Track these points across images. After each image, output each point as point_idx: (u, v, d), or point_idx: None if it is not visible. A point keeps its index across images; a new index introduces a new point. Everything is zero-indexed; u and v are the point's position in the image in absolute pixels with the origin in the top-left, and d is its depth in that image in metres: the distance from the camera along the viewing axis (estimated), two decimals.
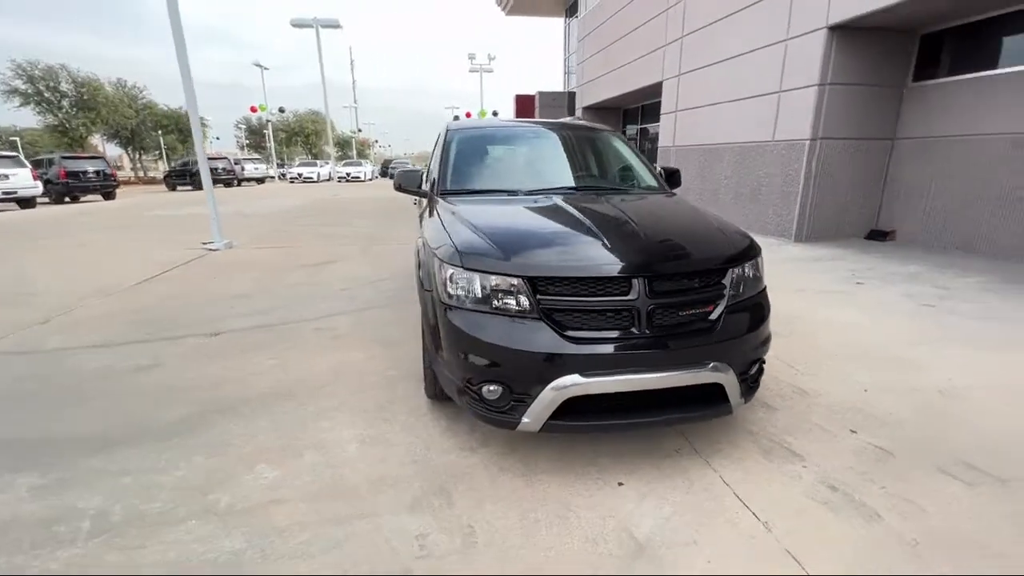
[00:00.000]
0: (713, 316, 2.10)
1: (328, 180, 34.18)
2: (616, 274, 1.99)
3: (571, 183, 3.27)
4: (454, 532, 1.81)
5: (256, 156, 34.95)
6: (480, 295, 2.05)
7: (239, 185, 28.48)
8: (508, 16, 26.67)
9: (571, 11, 23.18)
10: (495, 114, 40.52)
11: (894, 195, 7.80)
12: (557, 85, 26.61)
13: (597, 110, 17.68)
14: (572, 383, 1.91)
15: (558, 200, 2.79)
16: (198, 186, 16.77)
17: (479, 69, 35.52)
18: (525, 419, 1.99)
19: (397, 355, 3.41)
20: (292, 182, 32.71)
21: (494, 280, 2.03)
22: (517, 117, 26.04)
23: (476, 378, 2.04)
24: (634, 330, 1.99)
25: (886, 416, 2.58)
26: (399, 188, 3.39)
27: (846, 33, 7.05)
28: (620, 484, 2.08)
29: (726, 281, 2.16)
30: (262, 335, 3.83)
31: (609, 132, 3.83)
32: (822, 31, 7.08)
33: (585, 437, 2.38)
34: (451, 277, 2.12)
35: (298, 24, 19.43)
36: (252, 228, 9.93)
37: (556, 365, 1.92)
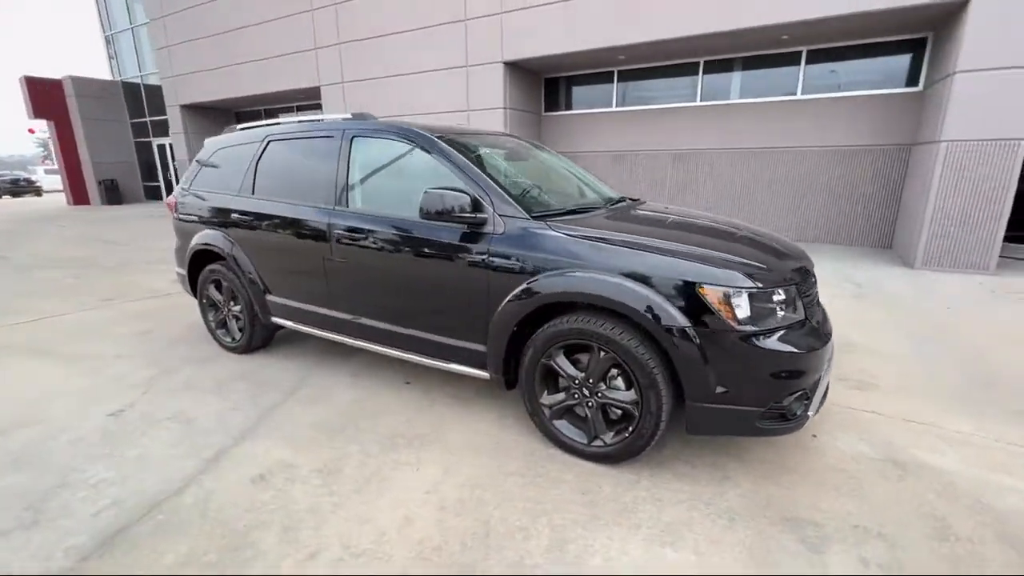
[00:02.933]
0: None
1: None
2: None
3: (603, 196, 3.17)
4: None
5: None
6: (769, 310, 2.00)
7: None
8: None
9: None
10: None
11: None
12: (97, 71, 19.82)
13: (203, 110, 14.55)
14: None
15: (647, 212, 2.80)
16: None
17: None
18: (810, 413, 2.13)
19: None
20: None
21: (782, 291, 2.03)
22: (35, 109, 17.92)
23: (782, 395, 2.01)
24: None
25: None
26: (429, 216, 2.33)
27: (515, 69, 8.91)
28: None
29: None
30: None
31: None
32: (499, 64, 8.67)
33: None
34: (745, 299, 1.94)
35: None
36: None
37: (821, 354, 2.16)
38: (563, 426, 2.37)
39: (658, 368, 2.04)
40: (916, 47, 7.08)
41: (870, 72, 7.41)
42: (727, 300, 1.94)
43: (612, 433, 2.25)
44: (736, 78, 8.31)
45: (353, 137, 2.90)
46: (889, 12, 6.08)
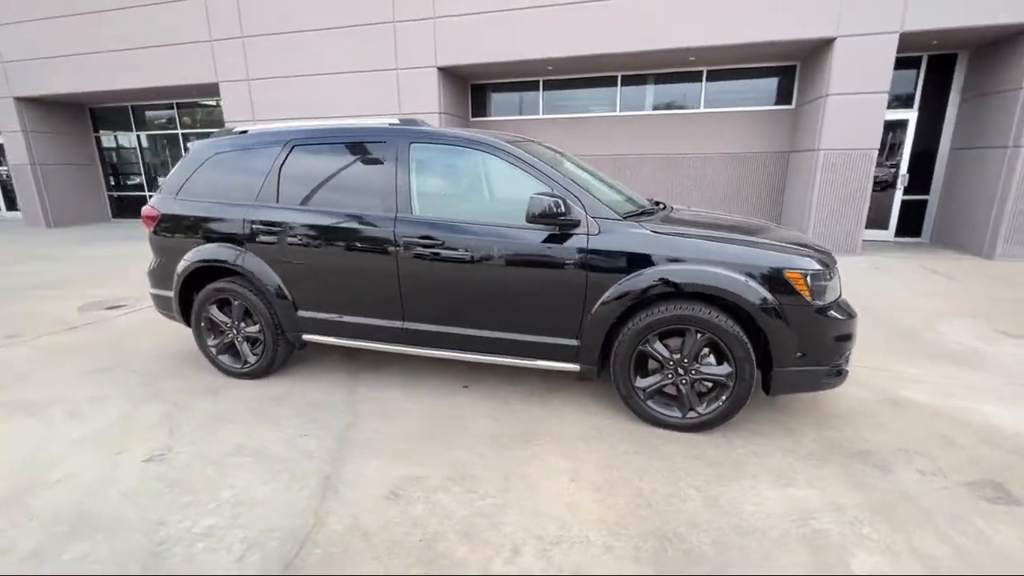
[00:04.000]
0: None
1: None
2: None
3: (640, 199, 3.41)
4: None
5: None
6: (826, 287, 2.46)
7: None
8: None
9: None
10: None
11: None
12: None
13: (48, 104, 12.13)
14: None
15: (691, 214, 3.18)
16: None
17: None
18: (847, 367, 2.67)
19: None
20: None
21: (830, 272, 2.52)
22: None
23: (840, 355, 2.50)
24: None
25: None
26: (533, 219, 2.43)
27: (446, 74, 8.94)
28: None
29: None
30: None
31: None
32: (433, 69, 8.64)
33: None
34: (813, 279, 2.38)
35: None
36: None
37: (857, 321, 2.70)
38: (656, 405, 2.64)
39: (750, 343, 2.42)
40: (788, 73, 8.61)
41: (755, 91, 8.83)
42: (805, 280, 2.38)
43: (704, 404, 2.58)
44: (650, 91, 9.30)
45: (411, 143, 2.86)
46: (763, 44, 7.32)
